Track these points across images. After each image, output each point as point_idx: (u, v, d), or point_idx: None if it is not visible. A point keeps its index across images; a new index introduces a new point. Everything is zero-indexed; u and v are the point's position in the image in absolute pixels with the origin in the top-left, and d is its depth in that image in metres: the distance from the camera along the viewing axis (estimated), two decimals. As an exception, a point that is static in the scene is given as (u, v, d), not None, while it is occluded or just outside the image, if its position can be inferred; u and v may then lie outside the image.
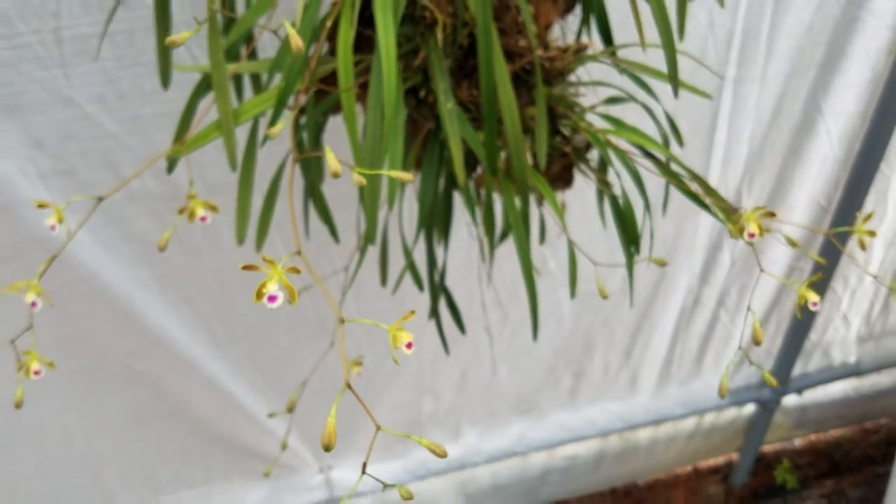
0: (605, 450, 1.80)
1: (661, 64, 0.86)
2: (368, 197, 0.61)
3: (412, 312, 0.48)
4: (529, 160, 0.83)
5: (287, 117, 0.57)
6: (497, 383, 1.59)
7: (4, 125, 0.97)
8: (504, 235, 0.97)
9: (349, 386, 0.48)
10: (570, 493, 1.94)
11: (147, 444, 1.47)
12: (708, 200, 0.81)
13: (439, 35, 0.72)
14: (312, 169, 0.86)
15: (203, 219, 0.67)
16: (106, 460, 1.46)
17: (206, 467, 1.57)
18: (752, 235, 0.68)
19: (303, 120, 0.81)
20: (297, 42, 0.51)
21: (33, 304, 0.62)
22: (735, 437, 1.94)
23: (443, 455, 0.45)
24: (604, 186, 0.89)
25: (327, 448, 0.45)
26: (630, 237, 0.91)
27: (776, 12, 1.17)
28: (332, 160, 0.49)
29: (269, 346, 1.40)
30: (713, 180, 1.36)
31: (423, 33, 0.76)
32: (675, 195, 1.35)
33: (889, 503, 1.63)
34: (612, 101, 0.92)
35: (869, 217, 0.78)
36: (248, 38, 0.83)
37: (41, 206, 0.66)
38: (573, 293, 0.89)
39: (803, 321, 1.65)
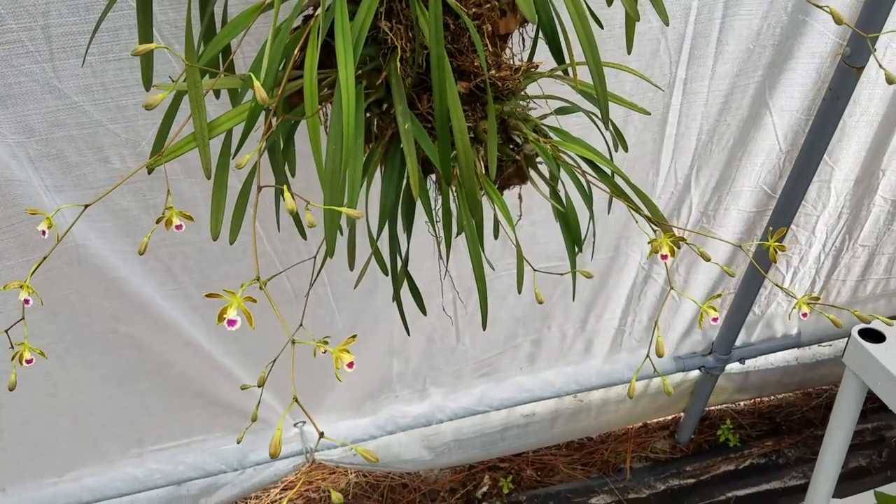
0: (560, 409, 1.93)
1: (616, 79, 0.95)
2: (327, 225, 0.70)
3: (354, 337, 0.58)
4: (483, 168, 0.91)
5: (254, 150, 0.65)
6: (461, 349, 1.70)
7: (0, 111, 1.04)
8: (460, 232, 1.06)
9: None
10: (527, 447, 2.08)
11: (131, 399, 1.57)
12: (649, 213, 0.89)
13: (397, 63, 0.79)
14: (280, 172, 0.94)
15: (179, 227, 0.75)
16: (91, 412, 1.56)
17: (186, 420, 1.67)
18: (664, 257, 0.77)
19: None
20: (261, 94, 0.59)
21: (26, 300, 0.70)
22: (681, 398, 2.08)
23: (375, 460, 0.55)
24: (553, 193, 0.98)
25: (273, 455, 0.55)
26: (573, 238, 1.01)
27: (725, 17, 1.25)
28: (288, 199, 0.58)
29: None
30: (663, 171, 1.46)
31: (386, 54, 0.83)
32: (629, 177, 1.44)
33: (820, 461, 1.77)
34: (561, 111, 1.00)
35: (783, 234, 0.89)
36: (226, 51, 0.90)
37: (32, 213, 0.74)
38: (520, 289, 0.99)
39: (746, 297, 1.76)
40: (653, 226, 0.95)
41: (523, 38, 0.99)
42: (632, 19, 0.82)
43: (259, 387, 1.16)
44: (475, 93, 0.90)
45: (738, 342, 1.93)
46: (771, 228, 1.57)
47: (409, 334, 1.14)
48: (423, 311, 1.17)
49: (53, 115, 1.06)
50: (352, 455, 1.85)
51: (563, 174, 0.97)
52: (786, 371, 2.07)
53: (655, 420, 2.24)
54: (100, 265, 1.29)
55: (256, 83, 0.59)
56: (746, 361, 1.99)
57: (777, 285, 0.90)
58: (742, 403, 2.30)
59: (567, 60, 0.95)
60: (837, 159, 1.55)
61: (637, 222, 0.88)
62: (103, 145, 1.12)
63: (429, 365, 1.71)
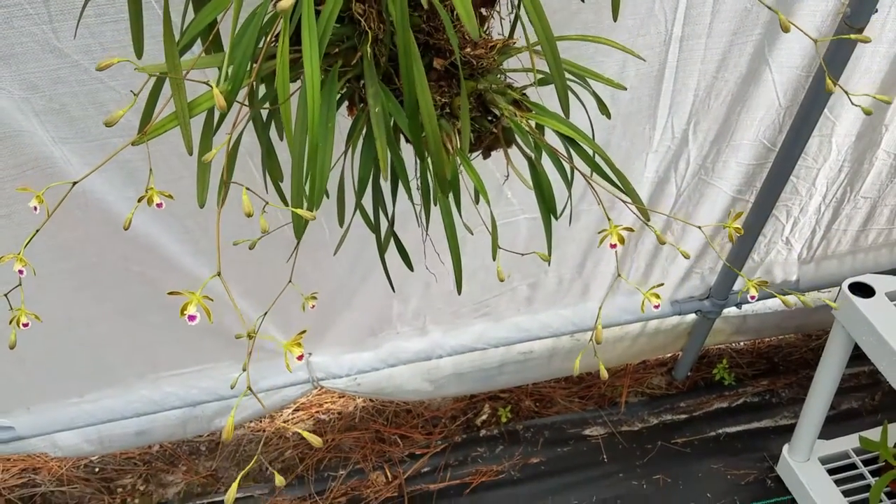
0: (557, 347, 1.99)
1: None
2: (295, 222, 0.74)
3: (303, 332, 0.63)
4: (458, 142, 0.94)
5: (222, 143, 0.69)
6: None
7: (2, 71, 1.08)
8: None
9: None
10: (524, 381, 2.16)
11: (144, 331, 1.66)
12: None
13: (368, 49, 0.82)
14: (263, 140, 0.98)
15: (159, 205, 0.80)
16: (107, 343, 1.66)
17: (197, 350, 1.77)
18: (612, 246, 0.81)
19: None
20: (220, 102, 0.63)
21: (20, 271, 0.76)
22: (678, 339, 2.13)
23: (318, 444, 0.61)
24: (530, 163, 1.00)
25: (225, 442, 0.61)
26: (548, 207, 1.04)
27: (722, -23, 1.24)
28: (246, 202, 0.62)
29: (248, 256, 1.55)
30: (660, 125, 1.47)
31: (360, 34, 0.85)
32: (624, 132, 1.46)
33: (807, 406, 1.83)
34: (542, 82, 1.02)
35: (739, 216, 0.92)
36: (211, 27, 0.93)
37: (22, 190, 0.79)
38: (494, 255, 1.03)
39: (745, 243, 1.79)
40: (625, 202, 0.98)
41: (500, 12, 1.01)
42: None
43: (249, 338, 1.23)
44: (451, 70, 0.92)
45: (736, 287, 1.96)
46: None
47: (393, 290, 1.20)
48: (410, 268, 1.22)
49: (55, 72, 1.10)
50: (356, 385, 1.94)
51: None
52: (784, 315, 2.10)
53: (654, 357, 2.30)
54: (106, 209, 1.36)
55: (216, 90, 0.62)
56: (744, 306, 2.02)
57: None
58: (742, 343, 2.34)
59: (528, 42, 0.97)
60: (839, 115, 1.54)
61: (598, 197, 0.91)
62: (104, 101, 1.16)
63: (427, 305, 1.77)
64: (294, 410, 2.24)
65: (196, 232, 1.46)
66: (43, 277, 1.50)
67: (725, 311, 2.02)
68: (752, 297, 0.85)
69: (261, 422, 2.23)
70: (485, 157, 1.10)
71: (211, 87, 0.64)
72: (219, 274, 0.66)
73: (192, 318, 0.62)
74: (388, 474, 2.06)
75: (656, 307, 0.80)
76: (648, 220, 0.98)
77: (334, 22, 0.76)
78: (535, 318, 1.89)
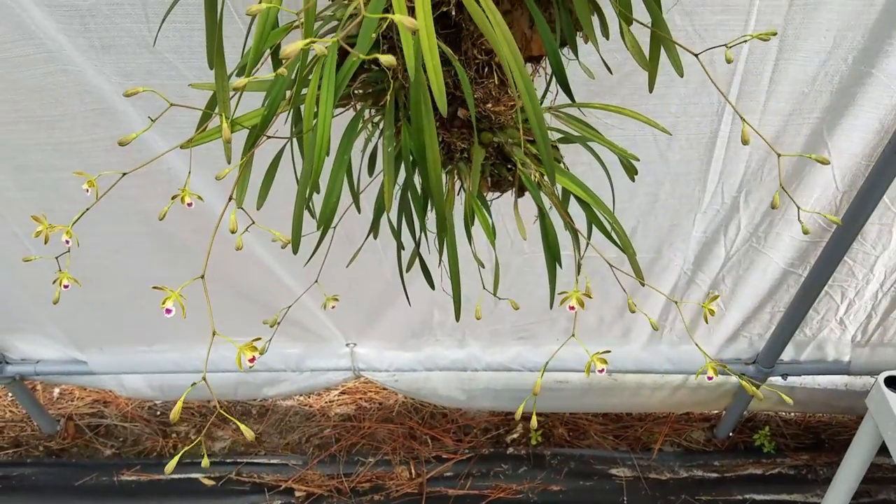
0: (593, 382, 2.04)
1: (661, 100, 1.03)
2: (295, 237, 0.85)
3: (258, 338, 0.73)
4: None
5: (234, 165, 0.80)
6: (499, 311, 1.83)
7: (103, 58, 1.25)
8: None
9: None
10: (557, 409, 2.21)
11: (210, 298, 1.82)
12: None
13: (389, 98, 0.91)
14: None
15: (189, 204, 0.92)
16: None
17: (254, 323, 1.92)
18: (571, 308, 0.87)
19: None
20: (226, 134, 0.74)
21: (67, 241, 0.90)
22: (721, 398, 2.12)
23: (251, 437, 0.71)
24: (540, 212, 1.07)
25: (172, 421, 0.71)
26: (552, 254, 1.10)
27: (779, 60, 1.25)
28: (232, 219, 0.72)
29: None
30: (710, 189, 1.49)
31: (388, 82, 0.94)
32: (673, 190, 1.49)
33: (829, 494, 1.80)
34: (564, 140, 1.08)
35: (715, 297, 0.95)
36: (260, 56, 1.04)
37: (79, 173, 0.93)
38: (495, 292, 1.11)
39: (792, 319, 1.77)
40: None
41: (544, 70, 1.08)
42: (647, 64, 0.90)
43: (271, 326, 1.35)
44: (470, 121, 1.00)
45: (786, 358, 1.94)
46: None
47: (409, 304, 1.29)
48: (431, 286, 1.31)
49: (148, 66, 1.26)
50: (394, 381, 2.05)
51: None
52: (833, 394, 2.06)
53: (698, 411, 2.30)
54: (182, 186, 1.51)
55: (224, 124, 0.73)
56: (790, 378, 2.00)
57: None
58: (792, 414, 2.30)
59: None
60: (901, 205, 1.52)
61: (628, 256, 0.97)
62: (189, 95, 1.31)
63: (468, 319, 1.85)
64: (340, 393, 2.38)
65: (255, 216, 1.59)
66: (128, 235, 1.69)
67: (772, 379, 2.00)
68: (710, 377, 0.89)
69: (308, 397, 2.38)
70: (519, 196, 1.18)
71: (221, 117, 0.75)
72: (202, 277, 0.77)
73: (168, 311, 0.73)
74: (413, 471, 2.16)
75: (710, 378, 0.85)
76: (643, 283, 1.03)
77: (374, 66, 0.86)
78: (572, 350, 1.93)
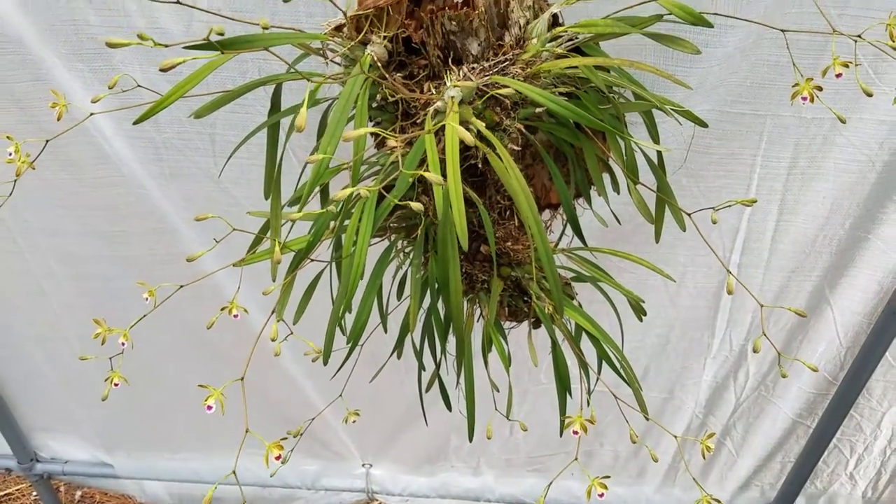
0: (605, 523, 2.04)
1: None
2: (327, 348, 0.95)
3: (284, 437, 0.82)
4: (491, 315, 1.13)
5: (277, 285, 0.92)
6: (514, 441, 1.88)
7: (170, 184, 1.40)
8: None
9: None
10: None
11: (237, 409, 1.91)
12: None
13: (420, 233, 1.03)
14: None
15: (236, 316, 1.04)
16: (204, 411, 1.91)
17: (277, 435, 1.99)
18: (575, 433, 0.95)
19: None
20: (277, 257, 0.86)
21: (122, 343, 1.01)
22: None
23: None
24: (553, 344, 1.16)
25: None
26: (563, 384, 1.18)
27: (780, 221, 1.36)
28: (274, 329, 0.83)
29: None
30: (718, 335, 1.57)
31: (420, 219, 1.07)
32: (683, 334, 1.57)
33: None
34: (576, 279, 1.19)
35: (711, 435, 1.03)
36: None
37: (141, 283, 1.05)
38: (508, 415, 1.19)
39: (805, 466, 1.80)
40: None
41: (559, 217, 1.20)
42: (653, 218, 1.02)
43: (294, 436, 1.43)
44: (491, 257, 1.11)
45: (797, 510, 1.94)
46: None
47: (427, 424, 1.36)
48: (449, 408, 1.38)
49: (209, 193, 1.41)
50: (407, 506, 2.08)
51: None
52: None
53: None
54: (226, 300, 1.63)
55: (276, 250, 0.86)
56: (803, 531, 1.99)
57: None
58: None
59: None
60: (904, 362, 1.58)
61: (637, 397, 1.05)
62: (245, 223, 1.45)
63: (483, 447, 1.91)
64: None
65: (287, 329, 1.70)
66: (169, 344, 1.80)
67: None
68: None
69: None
70: (535, 328, 1.27)
71: (273, 241, 0.87)
72: (241, 379, 0.86)
73: (209, 408, 0.83)
74: None
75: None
76: (647, 417, 1.11)
77: (398, 206, 0.99)
78: (586, 486, 1.96)
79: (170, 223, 1.49)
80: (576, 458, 1.02)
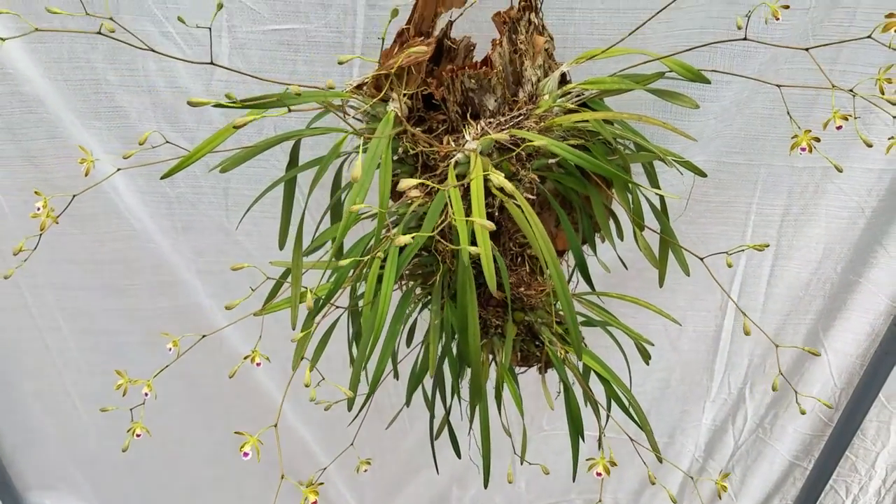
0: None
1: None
2: (351, 390, 0.97)
3: (321, 483, 0.84)
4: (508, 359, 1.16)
5: (306, 330, 0.95)
6: (516, 491, 1.89)
7: (181, 237, 1.43)
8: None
9: None
10: None
11: (234, 471, 1.91)
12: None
13: (439, 277, 1.07)
14: (355, 325, 1.24)
15: (258, 364, 1.06)
16: (206, 468, 1.91)
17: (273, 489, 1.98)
18: (598, 475, 0.97)
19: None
20: (308, 303, 0.89)
21: (145, 393, 1.03)
22: None
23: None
24: (565, 388, 1.19)
25: None
26: (576, 428, 1.21)
27: (775, 266, 1.42)
28: (307, 377, 0.86)
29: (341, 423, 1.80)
30: (717, 379, 1.61)
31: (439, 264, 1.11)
32: (682, 377, 1.61)
33: None
34: (586, 323, 1.23)
35: (726, 475, 1.05)
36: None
37: (165, 334, 1.08)
38: (522, 460, 1.21)
39: (803, 513, 1.82)
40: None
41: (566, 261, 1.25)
42: (657, 263, 1.06)
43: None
44: (505, 302, 1.15)
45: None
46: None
47: (438, 472, 1.38)
48: (458, 455, 1.40)
49: (220, 245, 1.44)
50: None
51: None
52: None
53: None
54: (231, 356, 1.65)
55: (309, 296, 0.89)
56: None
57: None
58: None
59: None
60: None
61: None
62: (252, 272, 1.48)
63: (486, 497, 1.91)
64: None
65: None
66: (172, 397, 1.80)
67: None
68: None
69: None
70: (541, 373, 1.30)
71: (307, 289, 0.90)
72: (275, 425, 0.89)
73: (245, 454, 0.85)
74: None
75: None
76: (661, 460, 1.14)
77: (423, 252, 1.03)
78: (588, 536, 1.97)
79: (178, 276, 1.51)
80: (600, 501, 1.03)
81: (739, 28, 0.79)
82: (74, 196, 1.07)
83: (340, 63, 1.12)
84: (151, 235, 1.46)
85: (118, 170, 1.07)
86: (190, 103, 0.73)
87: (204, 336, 1.10)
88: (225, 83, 1.22)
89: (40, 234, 1.03)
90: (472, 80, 0.93)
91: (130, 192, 1.40)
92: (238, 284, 1.53)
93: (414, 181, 0.73)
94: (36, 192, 1.03)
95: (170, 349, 1.06)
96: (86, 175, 1.04)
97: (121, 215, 1.43)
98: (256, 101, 0.87)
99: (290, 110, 0.86)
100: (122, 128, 1.30)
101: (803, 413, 0.94)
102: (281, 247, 1.21)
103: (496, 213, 1.03)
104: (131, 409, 1.10)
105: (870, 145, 0.78)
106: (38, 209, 1.03)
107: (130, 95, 1.26)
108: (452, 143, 0.96)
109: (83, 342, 1.67)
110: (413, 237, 0.79)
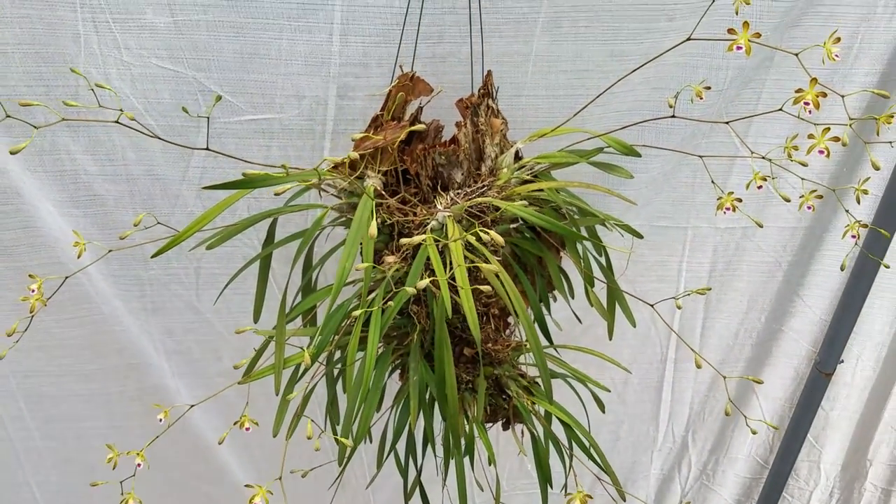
0: None
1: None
2: (340, 452, 1.05)
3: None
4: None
5: (299, 390, 1.02)
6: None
7: (151, 318, 1.49)
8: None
9: None
10: None
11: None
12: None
13: (415, 337, 1.17)
14: (330, 391, 1.31)
15: (248, 428, 1.12)
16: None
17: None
18: (569, 506, 1.06)
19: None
20: (307, 360, 0.97)
21: (138, 465, 1.08)
22: None
23: None
24: (533, 438, 1.29)
25: None
26: (544, 475, 1.30)
27: (706, 318, 1.57)
28: (316, 445, 0.93)
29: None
30: (661, 428, 1.73)
31: (413, 325, 1.21)
32: (631, 429, 1.72)
33: None
34: (552, 376, 1.34)
35: None
36: (310, 310, 1.31)
37: (157, 405, 1.13)
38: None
39: (748, 556, 1.93)
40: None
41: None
42: (607, 315, 1.18)
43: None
44: (477, 357, 1.25)
45: None
46: None
47: (412, 531, 1.43)
48: (429, 515, 1.46)
49: (189, 324, 1.50)
50: None
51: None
52: None
53: None
54: (198, 435, 1.68)
55: (306, 353, 0.97)
56: None
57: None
58: None
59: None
60: (824, 444, 1.77)
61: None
62: (220, 349, 1.54)
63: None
64: None
65: (261, 462, 1.75)
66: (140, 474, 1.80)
67: None
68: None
69: None
70: (504, 429, 1.39)
71: (303, 349, 0.99)
72: (280, 478, 0.95)
73: (251, 506, 0.91)
74: None
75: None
76: (624, 500, 1.23)
77: (396, 315, 1.13)
78: None
79: (144, 357, 1.55)
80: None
81: (671, 107, 0.94)
82: (66, 278, 1.12)
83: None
84: (120, 318, 1.50)
85: (109, 251, 1.13)
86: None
87: (192, 406, 1.16)
88: (201, 169, 1.31)
89: (31, 317, 1.09)
90: (443, 157, 1.06)
91: (103, 277, 1.45)
92: (205, 363, 1.59)
93: (417, 238, 0.83)
94: (30, 276, 1.08)
95: (161, 420, 1.11)
96: (78, 257, 1.11)
97: (91, 300, 1.47)
98: (246, 181, 0.96)
99: (276, 193, 0.96)
100: (99, 214, 1.36)
101: (754, 433, 1.05)
102: (255, 319, 1.29)
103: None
104: (121, 482, 1.13)
105: (788, 200, 0.93)
106: (33, 291, 1.09)
107: (109, 184, 1.33)
108: (425, 212, 1.08)
109: (45, 430, 1.67)
110: (403, 288, 0.89)
